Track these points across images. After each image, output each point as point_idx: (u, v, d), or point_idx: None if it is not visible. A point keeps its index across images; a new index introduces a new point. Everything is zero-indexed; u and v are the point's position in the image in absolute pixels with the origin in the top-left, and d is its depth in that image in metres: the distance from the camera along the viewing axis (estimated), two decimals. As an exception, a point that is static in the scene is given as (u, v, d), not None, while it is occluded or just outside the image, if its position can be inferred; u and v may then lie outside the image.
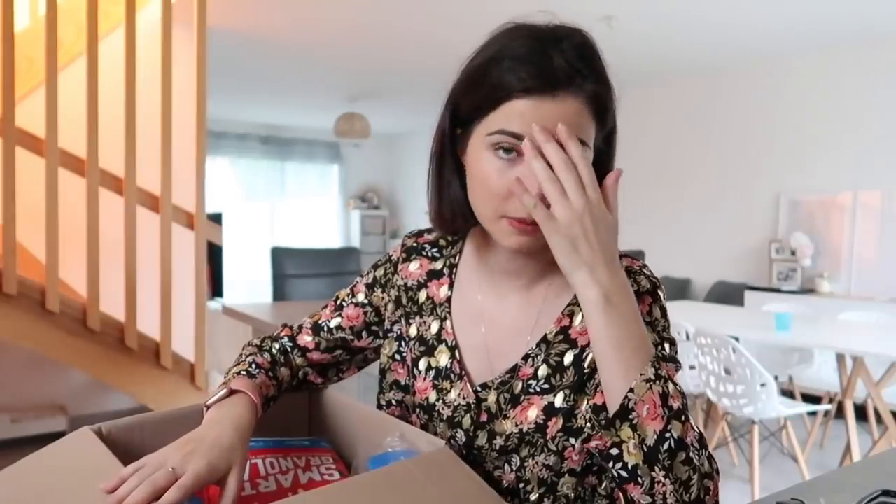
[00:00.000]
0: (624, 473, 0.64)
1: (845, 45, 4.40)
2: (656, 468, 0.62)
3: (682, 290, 5.25)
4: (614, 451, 0.64)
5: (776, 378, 3.31)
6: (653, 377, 0.64)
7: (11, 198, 2.39)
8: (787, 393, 3.55)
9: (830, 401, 3.53)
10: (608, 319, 0.65)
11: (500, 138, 0.69)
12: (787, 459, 3.22)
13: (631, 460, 0.63)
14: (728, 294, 4.81)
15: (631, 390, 0.63)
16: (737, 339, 2.75)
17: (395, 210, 9.17)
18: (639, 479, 0.63)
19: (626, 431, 0.63)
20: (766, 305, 4.04)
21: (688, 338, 3.00)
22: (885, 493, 0.87)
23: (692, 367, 3.09)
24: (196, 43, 2.83)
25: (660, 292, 0.79)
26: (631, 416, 0.63)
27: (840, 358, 2.92)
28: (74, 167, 2.59)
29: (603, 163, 0.75)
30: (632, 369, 0.64)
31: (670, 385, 0.64)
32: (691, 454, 0.63)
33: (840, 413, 3.06)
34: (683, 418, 0.64)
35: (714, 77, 5.20)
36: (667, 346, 0.75)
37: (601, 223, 0.65)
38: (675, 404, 0.64)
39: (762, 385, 2.61)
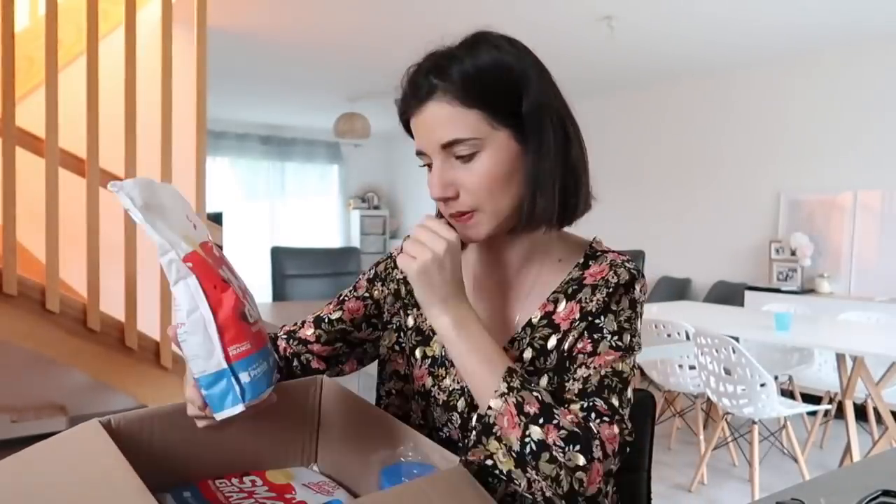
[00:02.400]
0: (504, 478, 0.70)
1: (846, 45, 4.40)
2: (528, 469, 0.69)
3: (682, 290, 5.25)
4: (489, 462, 0.70)
5: (776, 378, 3.31)
6: (505, 391, 0.71)
7: (11, 198, 2.39)
8: (787, 393, 3.55)
9: (830, 401, 3.53)
10: (461, 342, 0.74)
11: (420, 158, 0.81)
12: (787, 459, 3.22)
13: (504, 467, 0.70)
14: (728, 294, 4.81)
15: (489, 407, 0.71)
16: (737, 339, 2.74)
17: (395, 210, 9.17)
18: (516, 482, 0.70)
19: (493, 444, 0.71)
20: (766, 305, 4.04)
21: (688, 338, 3.00)
22: (885, 493, 0.87)
23: (692, 368, 3.09)
24: (196, 43, 2.82)
25: (636, 285, 0.83)
26: (494, 430, 0.71)
27: (840, 358, 2.92)
28: (74, 167, 2.59)
29: (533, 133, 0.77)
30: (488, 388, 0.72)
31: (525, 393, 0.71)
32: (555, 453, 0.68)
33: (840, 413, 3.06)
34: (542, 421, 0.69)
35: (714, 77, 5.20)
36: (626, 336, 0.80)
37: (455, 263, 0.75)
38: (532, 409, 0.70)
39: (762, 385, 2.61)
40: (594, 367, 0.77)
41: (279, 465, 0.85)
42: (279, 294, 4.84)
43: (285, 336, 0.96)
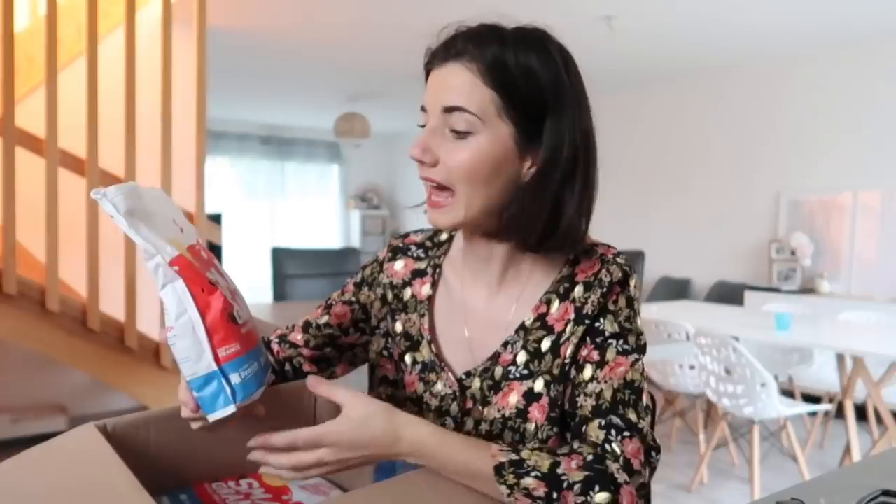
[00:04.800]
0: None
1: (846, 45, 4.40)
2: None
3: (682, 290, 5.25)
4: None
5: (776, 378, 3.31)
6: (507, 491, 0.66)
7: (11, 198, 2.39)
8: (787, 393, 3.55)
9: (830, 401, 3.53)
10: (433, 465, 0.68)
11: (421, 116, 0.78)
12: (787, 459, 3.22)
13: None
14: (728, 294, 4.81)
15: None
16: (737, 339, 2.74)
17: (395, 210, 9.17)
18: None
19: None
20: (766, 305, 4.03)
21: (688, 338, 3.00)
22: (885, 493, 0.87)
23: (692, 367, 3.09)
24: (196, 43, 2.82)
25: (630, 281, 0.81)
26: None
27: (840, 358, 2.92)
28: (74, 167, 2.59)
29: (548, 153, 0.75)
30: (489, 493, 0.67)
31: (527, 481, 0.66)
32: None
33: (840, 413, 3.06)
34: (555, 496, 0.66)
35: (714, 77, 5.20)
36: (630, 338, 0.78)
37: (346, 445, 0.67)
38: (541, 492, 0.66)
39: (762, 385, 2.61)
40: (605, 381, 0.75)
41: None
42: (279, 294, 4.85)
43: (277, 340, 0.96)
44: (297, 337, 0.94)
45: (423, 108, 0.77)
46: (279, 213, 8.36)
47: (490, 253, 0.83)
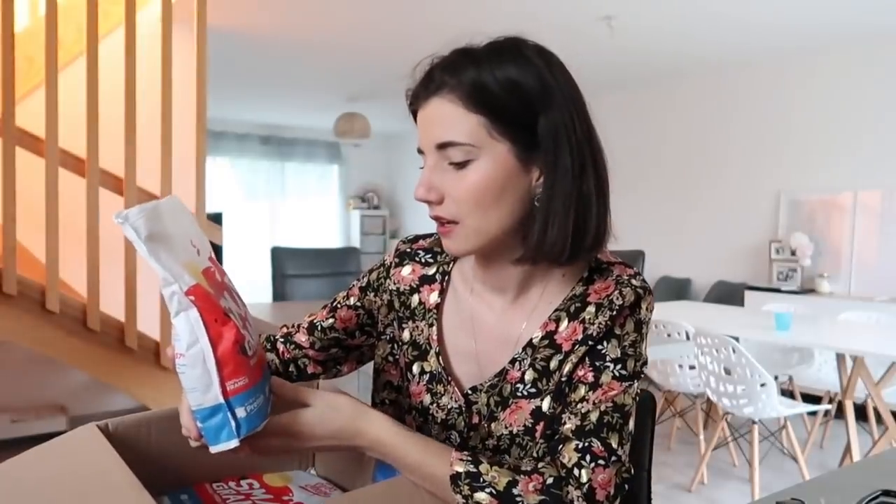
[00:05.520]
0: None
1: (846, 44, 4.40)
2: None
3: (682, 290, 5.25)
4: None
5: (776, 378, 3.31)
6: (462, 501, 0.67)
7: (11, 198, 2.39)
8: (787, 393, 3.55)
9: (830, 401, 3.53)
10: (390, 460, 0.70)
11: (420, 157, 0.77)
12: (787, 459, 3.22)
13: None
14: (728, 294, 4.81)
15: None
16: (737, 339, 2.74)
17: (395, 210, 9.17)
18: None
19: None
20: (766, 305, 4.03)
21: (688, 338, 3.00)
22: (885, 493, 0.87)
23: (692, 367, 3.09)
24: (196, 43, 2.82)
25: (642, 303, 0.79)
26: None
27: (840, 358, 2.92)
28: (74, 167, 2.59)
29: (548, 156, 0.73)
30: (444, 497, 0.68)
31: (480, 495, 0.66)
32: None
33: (840, 413, 3.06)
34: None
35: (714, 77, 5.20)
36: (630, 363, 0.77)
37: (308, 435, 0.69)
38: None
39: (762, 385, 2.61)
40: (594, 403, 0.74)
41: (277, 470, 0.85)
42: (279, 294, 4.85)
43: (283, 339, 0.95)
44: (303, 338, 0.93)
45: (419, 151, 0.77)
46: (279, 213, 8.36)
47: (506, 277, 0.82)
